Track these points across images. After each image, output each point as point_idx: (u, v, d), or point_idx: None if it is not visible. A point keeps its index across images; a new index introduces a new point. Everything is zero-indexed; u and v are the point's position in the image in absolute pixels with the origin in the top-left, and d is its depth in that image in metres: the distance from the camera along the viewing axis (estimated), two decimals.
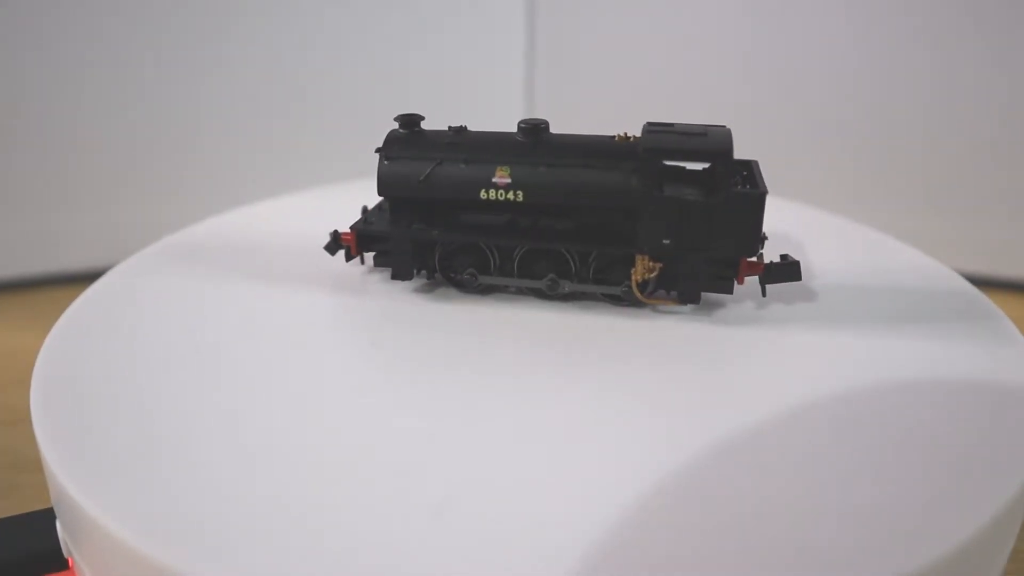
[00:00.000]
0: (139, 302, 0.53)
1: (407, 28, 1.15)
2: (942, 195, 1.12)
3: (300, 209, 0.73)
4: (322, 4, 1.12)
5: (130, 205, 1.13)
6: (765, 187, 0.48)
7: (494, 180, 0.50)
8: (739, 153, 0.51)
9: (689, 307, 0.52)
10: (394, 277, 0.55)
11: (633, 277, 0.50)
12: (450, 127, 0.53)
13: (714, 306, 0.52)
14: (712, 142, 0.47)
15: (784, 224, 0.67)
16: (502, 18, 1.18)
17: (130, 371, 0.44)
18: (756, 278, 0.52)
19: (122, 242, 0.75)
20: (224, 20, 1.09)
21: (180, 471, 0.36)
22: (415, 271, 0.55)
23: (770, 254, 0.55)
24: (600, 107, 1.16)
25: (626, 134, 0.51)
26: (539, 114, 1.17)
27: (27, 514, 0.43)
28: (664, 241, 0.48)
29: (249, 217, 0.70)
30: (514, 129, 0.52)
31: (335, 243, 0.56)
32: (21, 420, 0.43)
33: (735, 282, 0.50)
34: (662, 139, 0.47)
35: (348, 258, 0.57)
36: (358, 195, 0.64)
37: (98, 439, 0.38)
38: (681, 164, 0.48)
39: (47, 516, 0.42)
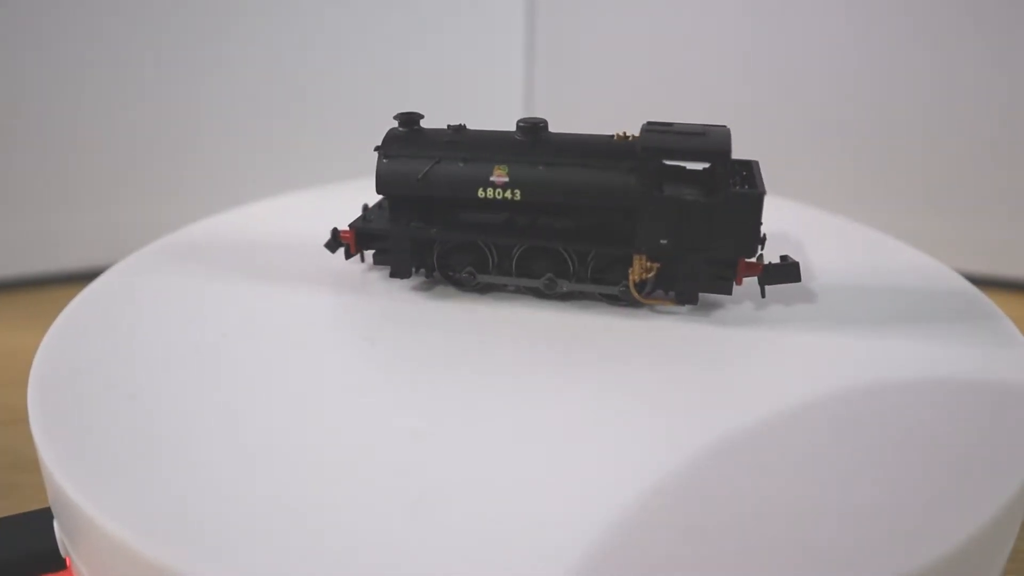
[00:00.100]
0: (138, 301, 0.53)
1: (407, 28, 1.15)
2: (942, 195, 1.11)
3: (299, 208, 0.73)
4: (322, 4, 1.11)
5: (130, 205, 1.13)
6: (764, 187, 0.48)
7: (492, 179, 0.50)
8: (739, 153, 0.51)
9: (687, 308, 0.52)
10: (393, 275, 0.55)
11: (631, 277, 0.50)
12: (449, 126, 0.53)
13: (714, 306, 0.52)
14: (710, 142, 0.47)
15: (784, 224, 0.67)
16: (502, 18, 1.18)
17: (128, 370, 0.44)
18: (755, 279, 0.52)
19: (122, 242, 0.75)
20: (224, 20, 1.09)
21: (179, 471, 0.36)
22: (414, 269, 0.55)
23: (770, 254, 0.54)
24: (600, 107, 1.16)
25: (625, 133, 0.51)
26: (539, 114, 1.17)
27: (24, 514, 0.43)
28: (662, 241, 0.48)
29: (248, 216, 0.70)
30: (513, 129, 0.52)
31: (335, 241, 0.56)
32: (20, 420, 0.43)
33: (734, 283, 0.50)
34: (660, 139, 0.47)
35: (348, 256, 0.57)
36: (358, 194, 0.64)
37: (96, 439, 0.38)
38: (681, 164, 0.48)
39: (45, 516, 0.41)
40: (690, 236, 0.48)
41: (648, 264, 0.49)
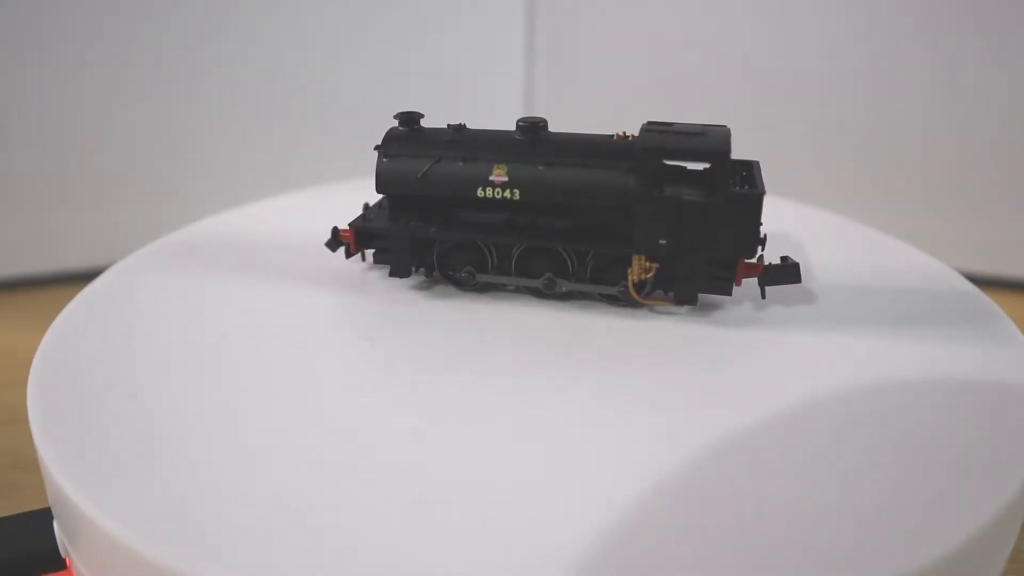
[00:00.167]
0: (137, 301, 0.53)
1: (407, 28, 1.15)
2: (942, 195, 1.11)
3: (299, 208, 0.73)
4: (322, 4, 1.11)
5: (130, 205, 1.13)
6: (763, 187, 0.48)
7: (491, 178, 0.50)
8: (739, 153, 0.51)
9: (686, 308, 0.52)
10: (392, 274, 0.55)
11: (629, 277, 0.50)
12: (449, 125, 0.53)
13: (713, 307, 0.52)
14: (710, 142, 0.47)
15: (784, 224, 0.67)
16: (502, 18, 1.18)
17: (128, 370, 0.44)
18: (755, 279, 0.51)
19: (122, 242, 0.75)
20: (224, 20, 1.09)
21: (179, 471, 0.36)
22: (413, 268, 0.55)
23: (770, 255, 0.54)
24: (600, 107, 1.16)
25: (625, 133, 0.51)
26: (539, 113, 1.17)
27: (24, 514, 0.43)
28: (661, 241, 0.48)
29: (248, 216, 0.70)
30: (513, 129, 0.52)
31: (335, 240, 0.56)
32: (20, 419, 0.43)
33: (733, 284, 0.50)
34: (660, 139, 0.47)
35: (348, 255, 0.57)
36: (357, 194, 0.64)
37: (96, 439, 0.38)
38: (681, 164, 0.48)
39: (45, 516, 0.41)
40: (689, 236, 0.48)
41: (647, 264, 0.49)
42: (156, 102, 1.10)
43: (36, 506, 0.43)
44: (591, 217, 0.51)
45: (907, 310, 0.52)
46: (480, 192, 0.50)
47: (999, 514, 0.33)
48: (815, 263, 0.59)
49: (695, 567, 0.30)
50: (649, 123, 0.50)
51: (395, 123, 0.54)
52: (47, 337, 0.48)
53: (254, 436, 0.38)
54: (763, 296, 0.52)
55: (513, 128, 0.52)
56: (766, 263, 0.51)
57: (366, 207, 0.58)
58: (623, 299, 0.51)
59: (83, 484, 0.35)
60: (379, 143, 0.53)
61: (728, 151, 0.46)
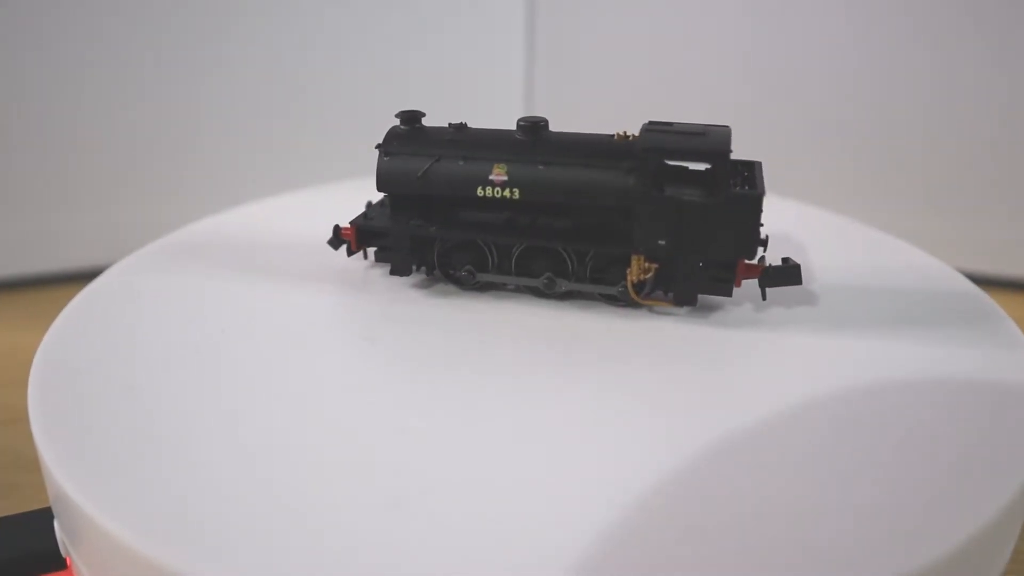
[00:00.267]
0: (137, 301, 0.53)
1: (407, 28, 1.15)
2: (942, 195, 1.11)
3: (299, 208, 0.73)
4: (322, 4, 1.11)
5: (130, 205, 1.13)
6: (764, 188, 0.48)
7: (491, 177, 0.50)
8: (740, 153, 0.51)
9: (685, 309, 0.52)
10: (393, 272, 0.55)
11: (629, 277, 0.50)
12: (450, 124, 0.53)
13: (713, 307, 0.52)
14: (710, 142, 0.46)
15: (784, 224, 0.67)
16: (502, 18, 1.18)
17: (128, 370, 0.44)
18: (755, 281, 0.51)
19: (122, 242, 0.75)
20: (224, 20, 1.09)
21: (179, 471, 0.36)
22: (414, 267, 0.55)
23: (770, 255, 0.54)
24: (600, 107, 1.16)
25: (625, 133, 0.51)
26: (539, 113, 1.17)
27: (25, 513, 0.43)
28: (660, 242, 0.48)
29: (248, 216, 0.70)
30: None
31: (337, 238, 0.56)
32: (21, 419, 0.43)
33: (733, 285, 0.50)
34: (660, 139, 0.47)
35: (349, 253, 0.57)
36: (358, 194, 0.64)
37: (96, 439, 0.38)
38: (681, 164, 0.48)
39: (45, 516, 0.41)
40: (688, 237, 0.48)
41: (646, 264, 0.49)
42: (156, 102, 1.10)
43: (36, 506, 0.43)
44: (591, 217, 0.51)
45: (907, 310, 0.52)
46: (480, 191, 0.50)
47: (999, 514, 0.33)
48: (815, 263, 0.59)
49: (695, 567, 0.30)
50: (649, 123, 0.50)
51: (396, 122, 0.54)
52: (47, 337, 0.48)
53: (254, 436, 0.38)
54: (764, 298, 0.52)
55: (514, 128, 0.52)
56: (767, 264, 0.51)
57: (369, 205, 0.58)
58: (623, 299, 0.51)
59: (83, 484, 0.35)
60: (380, 142, 0.53)
61: (728, 151, 0.46)
